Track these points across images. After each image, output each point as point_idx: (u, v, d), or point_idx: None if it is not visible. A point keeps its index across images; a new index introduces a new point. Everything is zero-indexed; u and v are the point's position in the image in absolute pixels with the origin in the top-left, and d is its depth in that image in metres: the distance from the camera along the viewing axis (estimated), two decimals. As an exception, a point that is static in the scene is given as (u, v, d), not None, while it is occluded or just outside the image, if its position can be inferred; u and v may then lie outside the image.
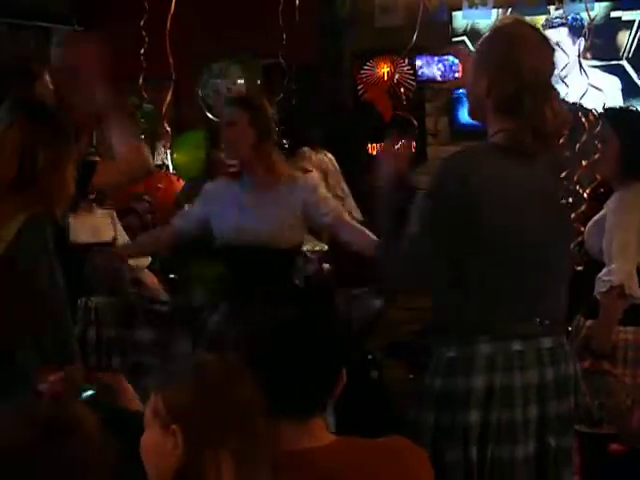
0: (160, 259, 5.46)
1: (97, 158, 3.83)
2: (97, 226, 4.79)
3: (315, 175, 4.33)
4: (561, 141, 2.78)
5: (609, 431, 3.91)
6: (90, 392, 2.43)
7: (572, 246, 4.43)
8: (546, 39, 2.85)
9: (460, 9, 6.85)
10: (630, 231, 3.90)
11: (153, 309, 4.27)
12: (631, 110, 4.43)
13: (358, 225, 4.28)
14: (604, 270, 3.89)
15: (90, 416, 1.75)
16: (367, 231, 4.17)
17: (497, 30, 2.87)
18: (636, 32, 6.72)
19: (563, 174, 2.79)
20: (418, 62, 7.02)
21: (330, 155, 5.39)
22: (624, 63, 6.69)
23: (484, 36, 2.89)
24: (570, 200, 2.79)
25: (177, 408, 1.86)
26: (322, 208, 4.21)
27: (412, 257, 2.74)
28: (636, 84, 6.64)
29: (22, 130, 3.17)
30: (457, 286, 2.73)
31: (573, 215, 4.67)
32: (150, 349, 4.18)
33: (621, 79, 6.67)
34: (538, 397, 2.77)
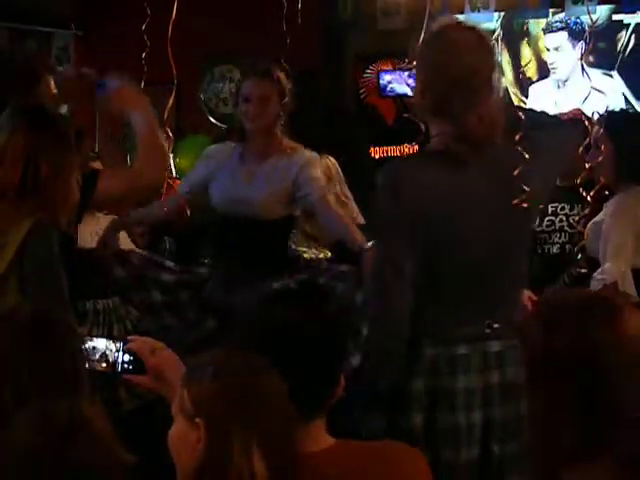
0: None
1: (97, 165, 3.80)
2: (100, 231, 4.79)
3: (313, 155, 4.34)
4: (517, 137, 2.75)
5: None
6: (128, 356, 2.38)
7: (574, 250, 4.44)
8: (483, 42, 2.81)
9: (462, 12, 6.86)
10: (626, 233, 3.90)
11: (160, 278, 4.27)
12: (627, 113, 4.40)
13: (341, 212, 4.29)
14: (598, 270, 3.89)
15: (100, 417, 1.77)
16: (348, 222, 4.21)
17: (433, 32, 2.86)
18: (628, 41, 6.68)
19: (516, 172, 2.74)
20: (387, 77, 7.00)
21: (333, 160, 5.36)
22: (614, 74, 6.66)
23: (423, 38, 2.89)
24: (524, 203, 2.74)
25: (202, 402, 1.88)
26: (306, 187, 4.21)
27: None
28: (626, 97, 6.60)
29: (24, 138, 3.17)
30: None
31: (577, 218, 4.68)
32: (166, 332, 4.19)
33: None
34: (482, 401, 2.76)
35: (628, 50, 6.66)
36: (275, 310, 2.23)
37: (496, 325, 2.78)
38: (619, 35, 6.65)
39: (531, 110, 4.00)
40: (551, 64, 6.87)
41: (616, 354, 1.81)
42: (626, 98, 6.53)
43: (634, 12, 6.63)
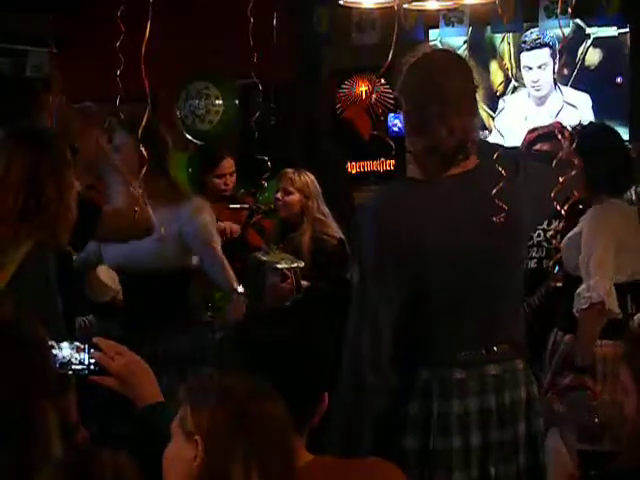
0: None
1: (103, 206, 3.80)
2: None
3: (200, 202, 4.32)
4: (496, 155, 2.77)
5: (611, 449, 3.83)
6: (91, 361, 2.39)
7: (550, 264, 4.45)
8: (464, 65, 2.88)
9: (436, 27, 6.89)
10: (607, 248, 3.89)
11: None
12: (595, 125, 4.38)
13: (223, 260, 4.31)
14: (583, 286, 3.88)
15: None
16: (227, 268, 4.28)
17: (418, 57, 2.88)
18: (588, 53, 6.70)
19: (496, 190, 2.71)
20: (396, 121, 7.11)
21: (312, 176, 5.36)
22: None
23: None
24: (502, 218, 2.73)
25: (203, 423, 1.88)
26: (193, 235, 4.16)
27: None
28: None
29: (25, 161, 3.15)
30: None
31: (551, 232, 4.70)
32: None
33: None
34: (480, 424, 2.78)
35: (595, 64, 6.70)
36: (260, 328, 2.25)
37: (495, 348, 2.81)
38: (584, 49, 6.69)
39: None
40: (535, 81, 6.88)
41: None
42: (596, 112, 6.57)
43: (607, 25, 6.67)
